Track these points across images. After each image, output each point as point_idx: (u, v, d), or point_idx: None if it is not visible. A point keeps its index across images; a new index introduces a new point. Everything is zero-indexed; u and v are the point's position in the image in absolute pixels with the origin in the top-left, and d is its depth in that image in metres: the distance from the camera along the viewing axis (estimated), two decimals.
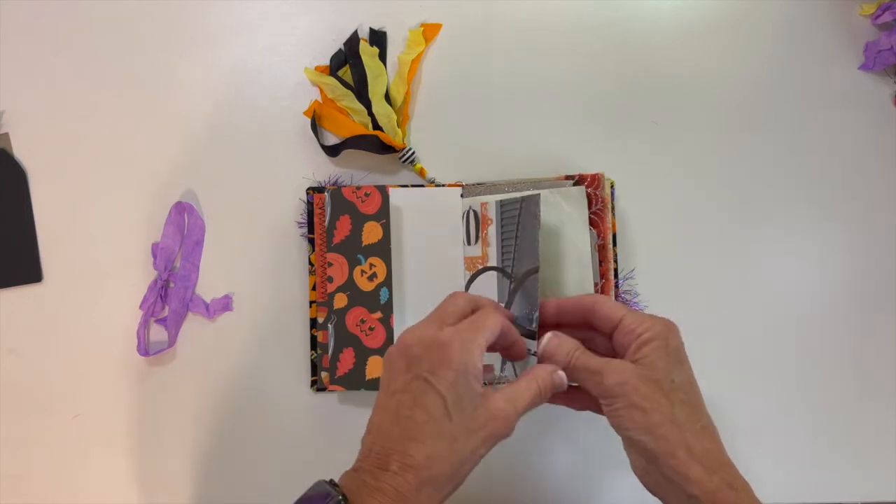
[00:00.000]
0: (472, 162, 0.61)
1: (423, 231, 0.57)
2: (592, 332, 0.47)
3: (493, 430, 0.41)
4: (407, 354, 0.42)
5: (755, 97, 0.62)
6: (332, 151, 0.60)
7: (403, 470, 0.40)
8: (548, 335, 0.46)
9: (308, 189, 0.58)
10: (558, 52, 0.62)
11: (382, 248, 0.56)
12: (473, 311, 0.45)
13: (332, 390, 0.56)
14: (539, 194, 0.53)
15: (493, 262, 0.55)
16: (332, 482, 0.41)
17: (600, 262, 0.55)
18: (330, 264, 0.55)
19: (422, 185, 0.59)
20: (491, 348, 0.45)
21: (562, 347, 0.45)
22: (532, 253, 0.51)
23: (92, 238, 0.60)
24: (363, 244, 0.55)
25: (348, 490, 0.40)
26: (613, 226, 0.57)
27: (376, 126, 0.59)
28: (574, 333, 0.47)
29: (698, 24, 0.63)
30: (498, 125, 0.61)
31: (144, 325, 0.59)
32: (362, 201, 0.56)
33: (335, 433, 0.58)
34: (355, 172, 0.60)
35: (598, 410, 0.45)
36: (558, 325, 0.48)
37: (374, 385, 0.54)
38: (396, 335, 0.55)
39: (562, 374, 0.45)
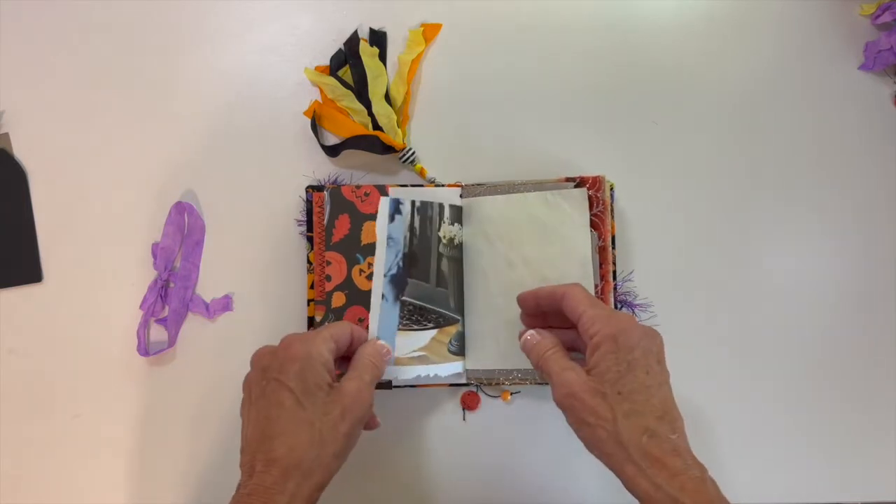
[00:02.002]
0: (472, 162, 0.61)
1: None
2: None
3: (346, 405, 0.44)
4: (258, 365, 0.46)
5: (755, 97, 0.62)
6: (332, 151, 0.60)
7: (267, 466, 0.42)
8: (529, 332, 0.47)
9: (307, 187, 0.58)
10: (558, 53, 0.62)
11: None
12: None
13: None
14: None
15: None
16: None
17: (600, 263, 0.55)
18: (328, 263, 0.55)
19: (422, 185, 0.59)
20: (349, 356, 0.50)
21: (537, 347, 0.46)
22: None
23: (92, 238, 0.60)
24: (362, 243, 0.55)
25: None
26: (612, 228, 0.57)
27: (376, 126, 0.59)
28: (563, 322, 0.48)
29: (698, 24, 0.63)
30: (498, 125, 0.61)
31: (144, 325, 0.59)
32: (361, 200, 0.56)
33: None
34: (355, 172, 0.61)
35: None
36: (542, 315, 0.49)
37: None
38: None
39: (383, 343, 0.50)
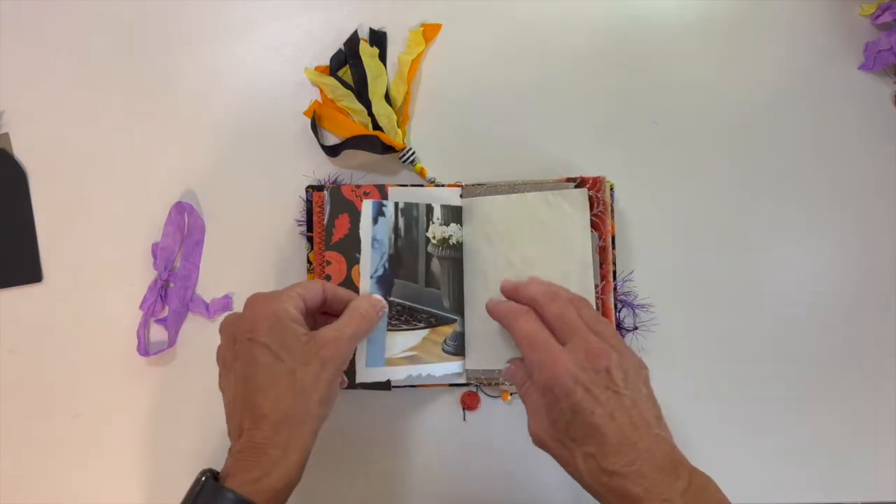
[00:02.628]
0: (472, 162, 0.61)
1: None
2: None
3: (325, 354, 0.44)
4: (227, 332, 0.46)
5: (755, 97, 0.62)
6: (332, 151, 0.60)
7: (256, 422, 0.42)
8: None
9: (307, 187, 0.59)
10: (558, 53, 0.62)
11: None
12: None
13: None
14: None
15: None
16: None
17: (601, 263, 0.55)
18: (328, 262, 0.55)
19: (422, 185, 0.59)
20: (331, 312, 0.50)
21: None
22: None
23: (92, 238, 0.60)
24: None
25: (222, 470, 0.42)
26: (612, 228, 0.57)
27: (376, 126, 0.59)
28: None
29: (698, 24, 0.63)
30: (498, 125, 0.61)
31: (144, 325, 0.59)
32: (361, 200, 0.56)
33: (333, 431, 0.58)
34: (355, 172, 0.61)
35: None
36: None
37: (369, 384, 0.53)
38: None
39: (378, 297, 0.51)
